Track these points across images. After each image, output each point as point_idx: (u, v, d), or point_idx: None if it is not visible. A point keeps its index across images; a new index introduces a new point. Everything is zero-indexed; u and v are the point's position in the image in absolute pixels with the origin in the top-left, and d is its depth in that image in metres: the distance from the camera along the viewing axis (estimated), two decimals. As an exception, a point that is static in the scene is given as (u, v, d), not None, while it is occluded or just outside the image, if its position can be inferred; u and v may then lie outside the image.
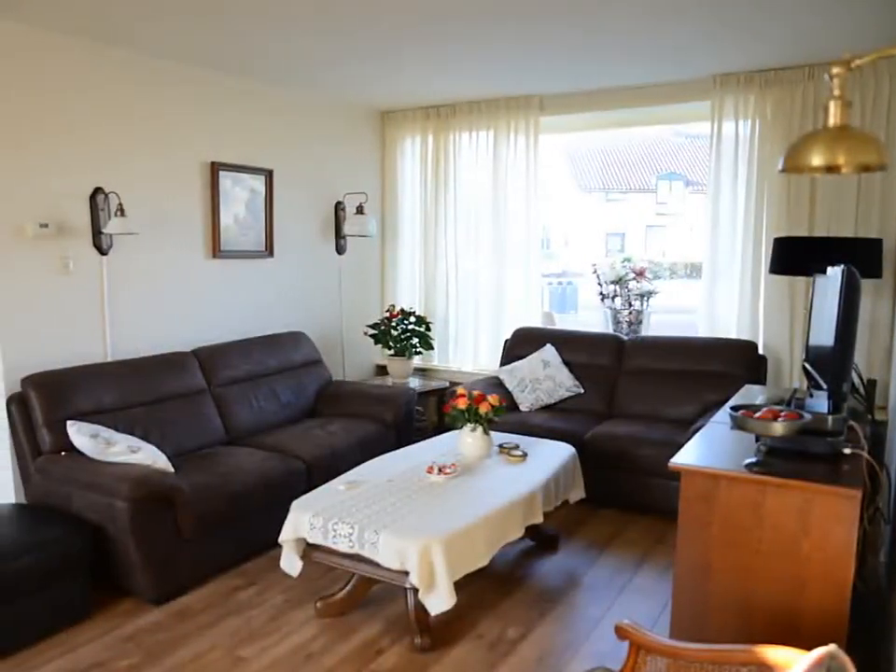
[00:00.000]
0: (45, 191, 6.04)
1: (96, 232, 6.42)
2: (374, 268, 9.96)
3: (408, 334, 9.13)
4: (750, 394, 5.25)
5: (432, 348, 9.38)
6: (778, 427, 3.59)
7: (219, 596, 5.50)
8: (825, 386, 3.79)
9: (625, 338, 8.27)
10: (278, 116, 8.22)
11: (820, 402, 3.84)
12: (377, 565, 4.72)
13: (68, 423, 5.68)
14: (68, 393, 5.88)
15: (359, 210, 8.97)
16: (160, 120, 6.95)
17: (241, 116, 7.77)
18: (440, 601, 4.59)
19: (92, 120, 6.38)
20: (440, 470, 5.52)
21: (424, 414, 9.32)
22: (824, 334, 3.93)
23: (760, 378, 7.29)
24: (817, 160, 3.29)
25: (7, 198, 5.77)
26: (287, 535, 5.06)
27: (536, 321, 9.12)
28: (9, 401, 5.80)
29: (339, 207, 9.13)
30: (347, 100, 8.92)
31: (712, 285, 7.88)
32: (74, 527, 5.15)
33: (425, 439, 6.82)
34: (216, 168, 7.49)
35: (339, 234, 9.19)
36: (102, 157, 6.48)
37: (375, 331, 9.23)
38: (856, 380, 4.61)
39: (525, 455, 6.01)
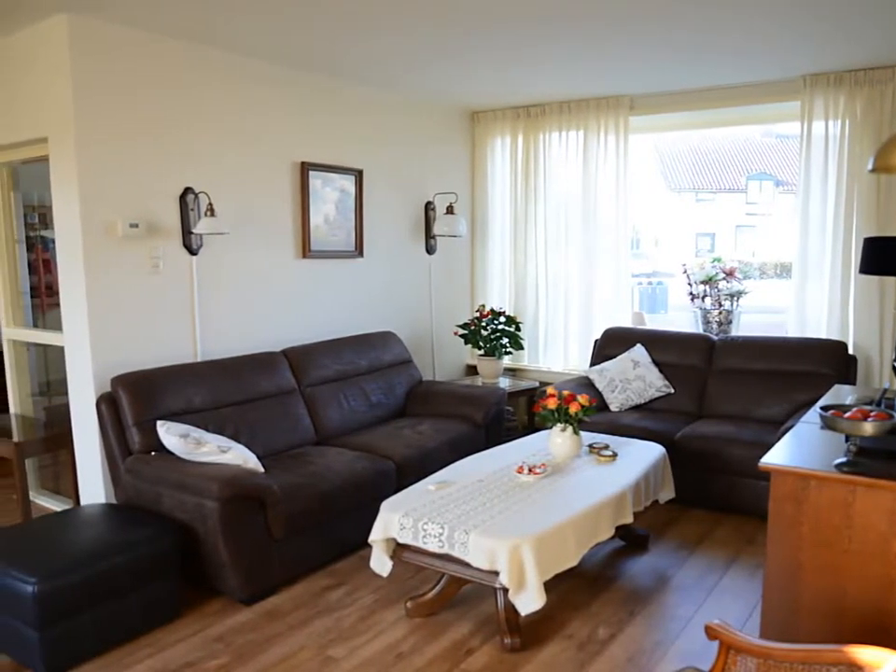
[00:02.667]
0: (135, 191, 6.01)
1: (186, 232, 6.39)
2: (464, 268, 9.85)
3: (498, 334, 9.00)
4: (840, 394, 5.25)
5: (522, 348, 9.24)
6: (868, 427, 3.60)
7: (309, 596, 5.43)
8: (916, 386, 3.77)
9: (715, 338, 8.10)
10: (368, 116, 8.14)
11: (911, 402, 3.84)
12: (467, 565, 4.65)
13: (158, 423, 5.64)
14: (158, 393, 5.85)
15: (449, 210, 8.87)
16: (249, 120, 6.90)
17: (330, 116, 7.70)
18: (530, 601, 4.51)
19: (183, 120, 6.35)
20: (529, 470, 5.42)
21: (514, 414, 9.21)
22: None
23: (850, 378, 7.16)
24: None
25: (98, 197, 5.74)
26: (376, 535, 4.99)
27: (626, 321, 8.98)
28: (99, 401, 5.77)
29: (429, 207, 9.05)
30: (437, 100, 8.82)
31: (802, 284, 7.75)
32: (164, 527, 5.11)
33: (514, 439, 6.72)
34: (305, 168, 7.42)
35: (429, 234, 9.10)
36: (192, 157, 6.44)
37: (465, 331, 9.12)
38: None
39: (614, 454, 5.90)
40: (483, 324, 9.03)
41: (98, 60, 5.70)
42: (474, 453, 6.23)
